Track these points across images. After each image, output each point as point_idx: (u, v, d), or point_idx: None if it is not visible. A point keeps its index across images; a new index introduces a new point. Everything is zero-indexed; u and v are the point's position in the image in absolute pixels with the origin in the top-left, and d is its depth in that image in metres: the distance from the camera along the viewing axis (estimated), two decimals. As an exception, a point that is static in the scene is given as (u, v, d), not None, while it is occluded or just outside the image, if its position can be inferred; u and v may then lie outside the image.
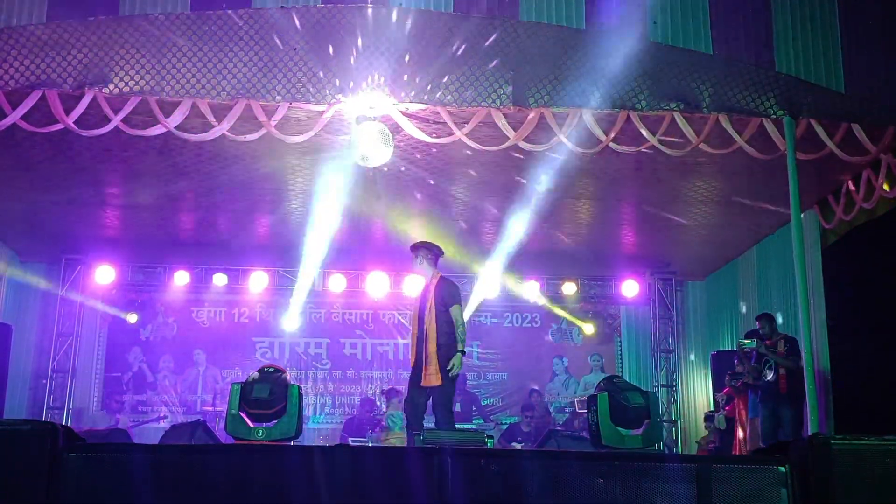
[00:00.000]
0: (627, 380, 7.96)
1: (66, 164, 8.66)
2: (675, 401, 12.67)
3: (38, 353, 12.14)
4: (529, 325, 13.65)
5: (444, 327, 7.09)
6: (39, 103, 6.83)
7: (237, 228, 11.27)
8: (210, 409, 12.15)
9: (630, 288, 13.05)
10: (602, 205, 10.10)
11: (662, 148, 7.36)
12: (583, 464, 4.05)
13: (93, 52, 6.70)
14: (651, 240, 11.71)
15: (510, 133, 7.28)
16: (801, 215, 7.62)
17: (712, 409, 11.34)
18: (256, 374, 5.98)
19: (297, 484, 3.89)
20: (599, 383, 6.01)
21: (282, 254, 11.96)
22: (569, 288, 13.12)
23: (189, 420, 9.31)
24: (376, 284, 12.75)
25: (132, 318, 12.92)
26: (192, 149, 8.05)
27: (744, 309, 12.14)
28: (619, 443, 5.51)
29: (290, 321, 12.83)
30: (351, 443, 10.58)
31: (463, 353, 7.11)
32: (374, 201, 9.72)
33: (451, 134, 7.33)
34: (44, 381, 11.96)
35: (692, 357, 13.10)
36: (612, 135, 7.26)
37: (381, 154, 7.43)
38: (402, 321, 13.18)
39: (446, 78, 7.00)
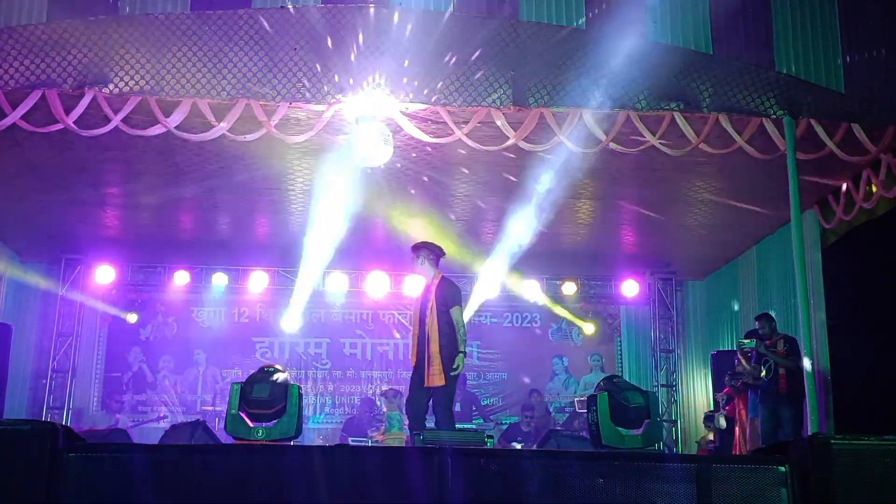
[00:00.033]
0: (627, 380, 7.95)
1: (66, 164, 8.66)
2: (675, 401, 12.67)
3: (38, 353, 12.14)
4: (529, 324, 13.65)
5: (445, 328, 7.10)
6: (39, 103, 6.84)
7: (237, 228, 11.28)
8: (210, 408, 12.15)
9: (630, 288, 13.05)
10: (602, 205, 10.10)
11: (662, 148, 7.37)
12: (583, 464, 4.05)
13: (93, 52, 6.71)
14: (651, 240, 11.71)
15: (510, 133, 7.28)
16: (801, 215, 7.62)
17: (712, 408, 11.35)
18: (282, 374, 5.88)
19: (297, 484, 3.89)
20: (599, 383, 6.00)
21: (282, 254, 11.95)
22: (569, 288, 13.12)
23: (189, 420, 9.28)
24: (376, 284, 12.75)
25: (132, 318, 12.91)
26: (192, 149, 8.05)
27: (736, 307, 12.17)
28: (619, 443, 5.51)
29: (290, 321, 12.82)
30: (351, 443, 10.58)
31: (464, 354, 7.12)
32: (374, 201, 9.71)
33: (451, 134, 7.33)
34: (44, 381, 11.96)
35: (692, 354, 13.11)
36: (612, 135, 7.26)
37: (381, 154, 7.43)
38: (402, 321, 13.18)
39: (446, 78, 7.00)
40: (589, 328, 13.47)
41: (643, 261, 12.62)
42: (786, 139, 7.24)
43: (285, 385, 5.81)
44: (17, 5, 6.32)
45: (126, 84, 6.93)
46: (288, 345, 13.19)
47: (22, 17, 6.34)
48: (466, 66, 6.95)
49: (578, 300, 13.35)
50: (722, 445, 10.41)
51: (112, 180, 9.47)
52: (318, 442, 11.93)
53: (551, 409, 12.97)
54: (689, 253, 12.00)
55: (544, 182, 8.79)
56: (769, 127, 7.27)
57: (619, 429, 5.56)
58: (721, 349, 11.87)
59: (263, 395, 5.70)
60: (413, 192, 9.42)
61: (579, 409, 11.27)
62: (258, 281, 12.64)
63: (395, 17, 6.43)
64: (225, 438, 6.31)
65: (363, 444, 10.23)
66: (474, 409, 12.74)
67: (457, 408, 9.91)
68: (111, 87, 6.94)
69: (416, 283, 9.42)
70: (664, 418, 12.06)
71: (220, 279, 12.65)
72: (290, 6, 6.32)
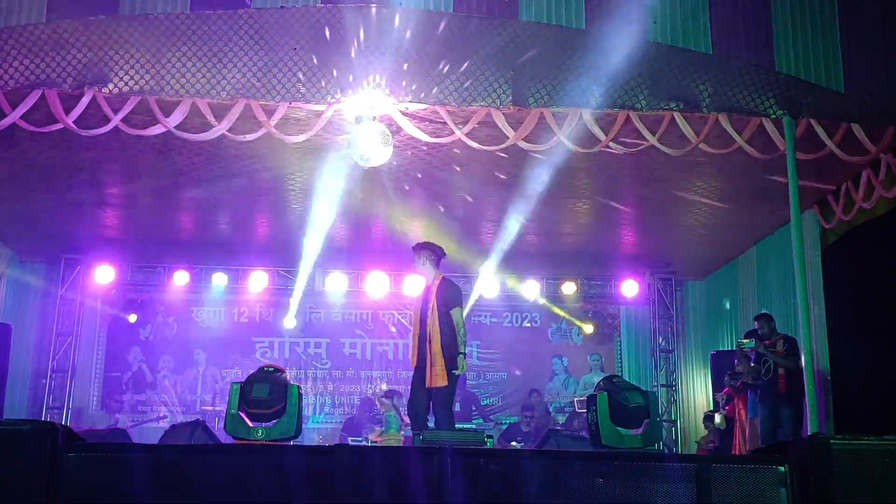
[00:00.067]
0: (627, 379, 7.95)
1: (66, 164, 8.66)
2: (675, 401, 12.67)
3: (37, 352, 12.14)
4: (529, 324, 13.65)
5: (446, 328, 7.10)
6: (39, 103, 6.83)
7: (237, 228, 11.28)
8: (210, 408, 12.17)
9: (630, 288, 13.05)
10: (602, 205, 10.10)
11: (662, 148, 7.36)
12: (582, 463, 4.05)
13: (92, 52, 6.70)
14: (651, 240, 11.72)
15: (510, 133, 7.28)
16: (801, 215, 7.62)
17: (712, 408, 11.35)
18: (282, 374, 5.90)
19: (297, 484, 3.88)
20: (599, 383, 6.00)
21: (282, 254, 11.96)
22: (569, 288, 13.12)
23: (188, 420, 9.29)
24: (376, 284, 12.75)
25: (132, 318, 12.92)
26: (191, 149, 8.05)
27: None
28: (619, 442, 5.50)
29: (290, 321, 12.83)
30: (350, 442, 10.58)
31: (464, 355, 7.12)
32: (374, 201, 9.72)
33: (450, 134, 7.33)
34: (43, 381, 11.96)
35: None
36: (612, 135, 7.26)
37: (380, 154, 7.43)
38: (402, 321, 13.19)
39: (446, 78, 7.00)
40: (588, 328, 13.48)
41: (643, 261, 12.62)
42: (786, 139, 7.24)
43: (285, 385, 5.81)
44: (17, 5, 6.31)
45: (126, 84, 6.93)
46: (288, 345, 13.20)
47: (22, 17, 6.33)
48: (466, 66, 6.94)
49: (578, 300, 13.35)
50: (721, 445, 10.41)
51: (112, 180, 9.47)
52: (318, 442, 11.94)
53: (551, 409, 12.98)
54: (689, 253, 12.00)
55: (544, 182, 8.80)
56: (769, 127, 7.27)
57: (619, 429, 5.56)
58: (721, 349, 11.87)
59: (263, 395, 5.70)
60: (413, 191, 9.42)
61: (579, 408, 11.28)
62: (258, 281, 12.64)
63: (395, 17, 6.42)
64: (225, 438, 6.30)
65: (363, 444, 10.24)
66: (474, 408, 12.75)
67: (457, 408, 9.92)
68: (111, 86, 6.94)
69: (417, 284, 9.43)
70: (664, 418, 12.07)
71: (219, 279, 12.66)
72: (290, 6, 6.32)
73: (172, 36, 6.57)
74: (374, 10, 6.36)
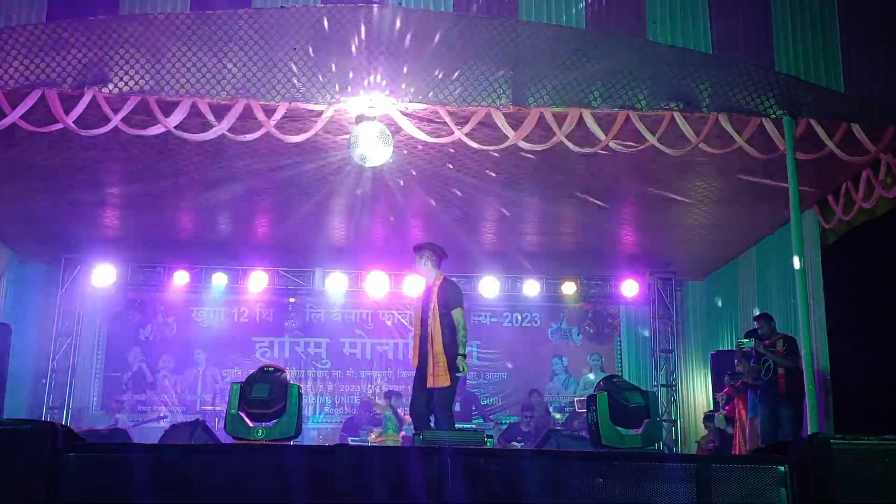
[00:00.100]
0: (627, 379, 7.95)
1: (65, 163, 8.66)
2: (675, 400, 12.67)
3: (37, 352, 12.12)
4: (529, 324, 13.66)
5: (447, 329, 7.10)
6: (39, 103, 6.83)
7: (237, 228, 11.28)
8: (210, 408, 12.17)
9: (630, 288, 13.05)
10: (602, 205, 10.08)
11: (662, 148, 7.36)
12: (582, 463, 4.05)
13: (92, 52, 6.70)
14: (651, 240, 11.71)
15: (510, 133, 7.28)
16: (801, 215, 7.62)
17: (712, 408, 11.35)
18: (281, 374, 5.90)
19: (296, 484, 3.88)
20: (599, 383, 6.00)
21: (282, 254, 11.96)
22: (568, 287, 13.12)
23: (189, 420, 9.29)
24: (376, 284, 12.74)
25: (132, 318, 12.92)
26: (191, 148, 8.05)
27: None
28: (619, 442, 5.51)
29: (290, 321, 12.84)
30: (350, 442, 10.59)
31: (464, 356, 7.11)
32: (374, 201, 9.72)
33: (450, 133, 7.33)
34: (43, 381, 11.96)
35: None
36: (612, 135, 7.26)
37: (380, 154, 7.43)
38: (402, 321, 13.19)
39: (446, 77, 7.00)
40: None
41: (643, 261, 12.62)
42: (785, 139, 7.24)
43: (285, 385, 5.81)
44: (17, 5, 6.31)
45: (126, 84, 6.93)
46: (288, 344, 13.20)
47: (22, 17, 6.33)
48: (466, 66, 6.94)
49: (578, 300, 13.35)
50: (722, 445, 10.41)
51: (112, 180, 9.47)
52: (318, 442, 11.94)
53: (551, 409, 12.98)
54: (689, 253, 12.00)
55: (544, 182, 8.80)
56: (769, 127, 7.27)
57: (619, 429, 5.57)
58: (721, 349, 11.87)
59: (263, 395, 5.70)
60: (413, 191, 9.41)
61: (579, 408, 11.29)
62: (258, 281, 12.64)
63: (395, 17, 6.41)
64: (225, 438, 6.31)
65: (363, 443, 10.25)
66: (474, 408, 12.75)
67: (457, 408, 9.93)
68: (111, 86, 6.94)
69: (417, 284, 9.43)
70: (664, 418, 12.07)
71: (220, 279, 12.66)
72: (290, 6, 6.31)
73: (172, 36, 6.56)
74: (374, 9, 6.36)
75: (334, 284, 12.76)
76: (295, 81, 6.97)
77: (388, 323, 13.40)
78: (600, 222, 10.79)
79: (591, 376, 13.09)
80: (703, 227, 10.64)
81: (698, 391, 12.81)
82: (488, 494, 3.90)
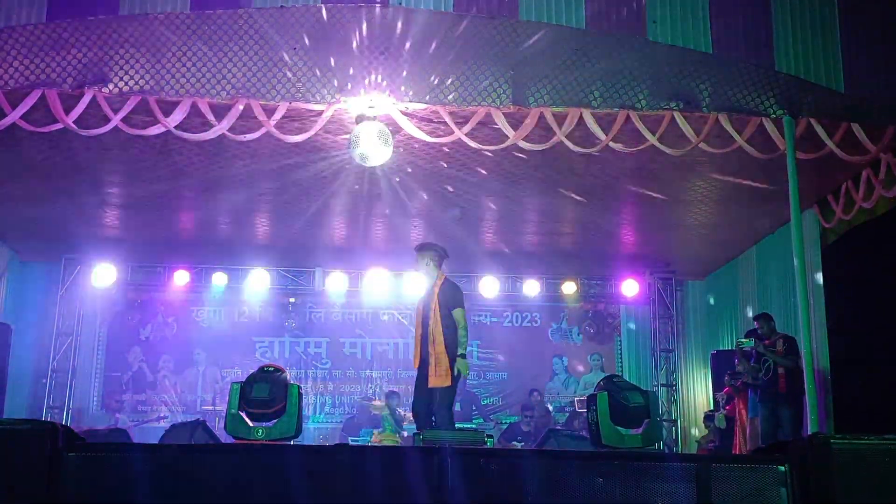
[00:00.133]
0: (627, 379, 7.95)
1: (65, 163, 8.66)
2: (675, 400, 12.68)
3: (38, 352, 12.13)
4: (529, 324, 13.65)
5: (448, 329, 7.10)
6: (39, 103, 6.84)
7: (237, 228, 11.28)
8: (210, 408, 12.17)
9: (630, 287, 13.05)
10: (602, 205, 10.10)
11: (662, 147, 7.37)
12: (582, 463, 4.05)
13: (92, 52, 6.70)
14: (651, 240, 11.72)
15: (510, 133, 7.28)
16: (801, 215, 7.62)
17: (712, 408, 11.35)
18: (282, 374, 5.92)
19: (297, 484, 3.88)
20: (599, 382, 6.00)
21: (282, 254, 11.96)
22: (569, 287, 13.12)
23: (189, 420, 9.30)
24: (376, 284, 12.74)
25: (132, 317, 12.92)
26: (191, 148, 8.05)
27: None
28: (619, 442, 5.51)
29: (290, 320, 12.83)
30: (351, 442, 10.59)
31: (464, 356, 7.11)
32: (374, 201, 9.72)
33: (450, 133, 7.33)
34: (44, 381, 11.96)
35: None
36: (612, 134, 7.26)
37: (380, 153, 7.43)
38: (402, 321, 13.19)
39: (446, 77, 7.00)
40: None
41: (643, 260, 12.62)
42: (785, 139, 7.24)
43: (285, 384, 5.81)
44: (17, 5, 6.31)
45: (126, 84, 6.94)
46: (288, 344, 13.20)
47: (22, 17, 6.33)
48: (466, 66, 6.95)
49: (578, 300, 13.36)
50: (722, 445, 10.42)
51: (112, 180, 9.47)
52: (319, 442, 11.94)
53: (551, 409, 12.98)
54: (689, 253, 12.00)
55: (543, 181, 8.80)
56: (769, 126, 7.28)
57: (619, 428, 5.57)
58: (721, 349, 11.87)
59: (263, 395, 5.70)
60: (413, 191, 9.42)
61: (579, 408, 11.29)
62: (258, 281, 12.64)
63: (395, 17, 6.42)
64: (225, 438, 6.31)
65: (364, 443, 10.25)
66: (474, 408, 12.76)
67: (457, 407, 9.93)
68: (111, 86, 6.94)
69: (419, 284, 9.42)
70: (664, 418, 12.06)
71: (220, 279, 12.66)
72: (290, 6, 6.32)
73: (172, 36, 6.57)
74: (374, 9, 6.36)
75: (334, 284, 12.76)
76: (295, 81, 6.97)
77: (389, 323, 13.38)
78: (600, 222, 10.80)
79: (591, 376, 13.09)
80: (703, 227, 10.64)
81: (698, 391, 12.82)
82: (488, 494, 3.90)
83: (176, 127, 7.10)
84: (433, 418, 7.12)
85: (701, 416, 11.94)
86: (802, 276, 7.51)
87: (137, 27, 6.50)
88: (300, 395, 5.80)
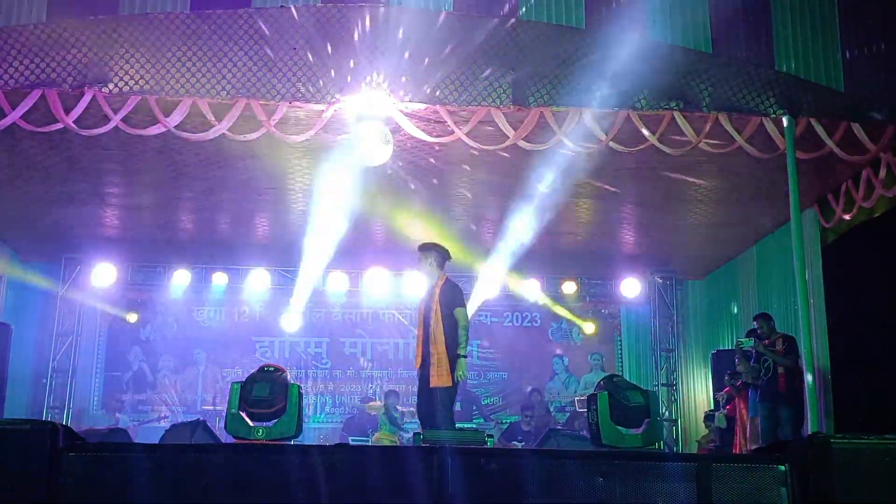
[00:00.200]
0: (627, 379, 7.96)
1: (65, 163, 8.66)
2: (676, 400, 12.68)
3: (38, 352, 12.13)
4: (530, 324, 13.65)
5: (449, 329, 7.10)
6: (39, 103, 6.84)
7: (237, 228, 11.28)
8: (210, 408, 12.16)
9: (630, 287, 13.05)
10: (602, 205, 10.09)
11: (662, 147, 7.36)
12: (583, 463, 4.05)
13: (92, 52, 6.70)
14: (651, 239, 11.71)
15: (510, 132, 7.28)
16: (801, 214, 7.62)
17: (712, 408, 11.35)
18: (282, 374, 5.91)
19: (297, 483, 3.89)
20: (599, 382, 6.01)
21: (282, 253, 11.95)
22: (569, 287, 13.12)
23: (189, 419, 9.30)
24: (377, 283, 12.74)
25: (132, 317, 12.93)
26: (191, 148, 8.05)
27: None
28: (619, 442, 5.51)
29: (290, 320, 12.83)
30: (351, 442, 10.59)
31: (464, 357, 7.10)
32: (374, 201, 9.71)
33: (451, 133, 7.33)
34: (44, 381, 11.96)
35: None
36: (612, 134, 7.26)
37: (380, 153, 7.43)
38: (402, 321, 13.19)
39: (446, 77, 7.00)
40: (589, 327, 13.47)
41: (643, 260, 12.62)
42: (785, 138, 7.24)
43: (285, 384, 5.82)
44: (17, 5, 6.32)
45: (126, 84, 6.93)
46: (288, 344, 13.20)
47: (22, 17, 6.33)
48: (466, 66, 6.95)
49: (578, 300, 13.35)
50: (722, 444, 10.41)
51: (112, 180, 9.46)
52: (319, 441, 11.94)
53: (551, 409, 12.98)
54: (690, 252, 12.00)
55: (544, 181, 8.79)
56: (769, 126, 7.28)
57: (620, 428, 5.57)
58: (721, 348, 11.87)
59: (263, 395, 5.71)
60: (413, 191, 9.41)
61: (579, 408, 11.29)
62: (258, 280, 12.64)
63: (395, 17, 6.43)
64: (225, 438, 6.32)
65: (363, 443, 10.26)
66: (475, 408, 12.75)
67: (457, 407, 9.92)
68: (111, 86, 6.93)
69: (419, 283, 9.42)
70: (664, 417, 12.07)
71: (220, 279, 12.66)
72: (290, 6, 6.32)
73: (172, 36, 6.57)
74: (374, 9, 6.36)
75: (334, 284, 12.75)
76: (295, 81, 6.97)
77: (389, 322, 13.38)
78: (601, 222, 10.80)
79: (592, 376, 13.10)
80: (703, 226, 10.64)
81: (699, 390, 12.81)
82: (488, 494, 3.91)
83: (176, 127, 7.10)
84: (435, 418, 7.12)
85: (701, 416, 11.94)
86: (802, 275, 7.51)
87: (137, 27, 6.50)
88: (300, 394, 5.81)
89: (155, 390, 12.82)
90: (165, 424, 10.62)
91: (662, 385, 12.61)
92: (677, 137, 7.31)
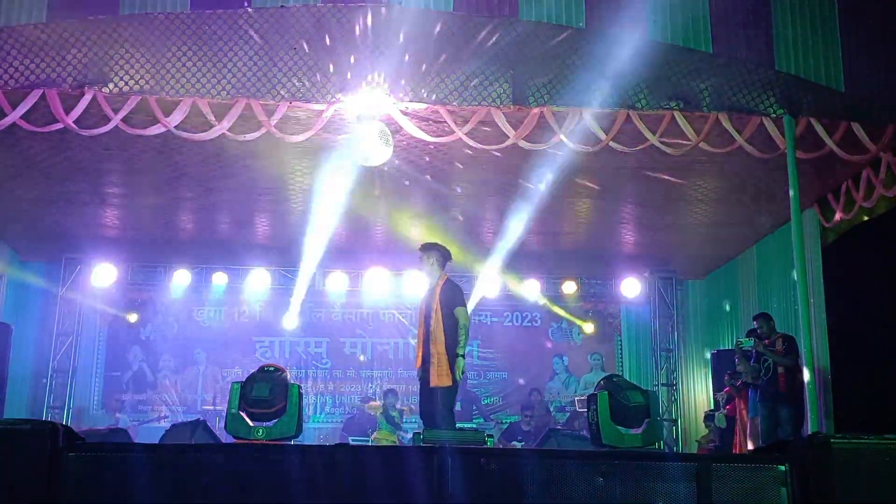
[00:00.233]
0: (627, 379, 7.95)
1: (65, 163, 8.66)
2: (676, 399, 12.68)
3: (38, 352, 12.13)
4: (530, 324, 13.65)
5: (450, 329, 7.10)
6: (39, 103, 6.84)
7: (237, 228, 11.28)
8: (210, 408, 12.16)
9: (630, 287, 13.05)
10: (602, 204, 10.10)
11: (662, 147, 7.37)
12: (583, 462, 4.05)
13: (93, 52, 6.71)
14: (651, 239, 11.71)
15: (510, 132, 7.28)
16: (801, 214, 7.62)
17: (712, 408, 11.35)
18: (282, 374, 5.92)
19: (297, 483, 3.89)
20: (599, 382, 6.00)
21: (282, 253, 11.96)
22: (569, 287, 13.12)
23: (189, 419, 9.30)
24: (376, 283, 12.74)
25: (132, 317, 12.93)
26: (192, 148, 8.05)
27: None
28: (619, 442, 5.51)
29: (290, 320, 12.83)
30: (351, 442, 10.59)
31: (462, 357, 7.10)
32: (374, 200, 9.72)
33: (451, 133, 7.33)
34: (44, 381, 11.96)
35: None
36: (612, 134, 7.26)
37: (381, 153, 7.43)
38: (402, 320, 13.19)
39: (446, 77, 7.00)
40: (589, 327, 13.47)
41: (643, 260, 12.62)
42: (786, 138, 7.24)
43: (285, 384, 5.81)
44: (17, 5, 6.32)
45: (126, 84, 6.94)
46: (288, 344, 13.20)
47: (22, 17, 6.33)
48: (466, 65, 6.95)
49: (578, 299, 13.36)
50: (722, 444, 10.41)
51: (112, 180, 9.47)
52: (319, 441, 11.94)
53: (551, 409, 12.98)
54: (689, 252, 12.00)
55: (544, 181, 8.80)
56: (769, 126, 7.28)
57: (620, 428, 5.57)
58: (721, 348, 11.87)
59: (263, 395, 5.70)
60: (413, 191, 9.41)
61: (579, 408, 11.29)
62: (258, 280, 12.64)
63: (395, 17, 6.42)
64: (225, 438, 6.31)
65: (363, 443, 10.26)
66: (474, 408, 12.75)
67: (457, 407, 9.92)
68: (111, 86, 6.94)
69: (420, 283, 9.42)
70: (664, 417, 12.07)
71: (220, 279, 12.66)
72: (290, 5, 6.32)
73: (172, 36, 6.57)
74: (374, 9, 6.36)
75: (334, 284, 12.75)
76: (295, 81, 6.97)
77: (389, 322, 13.38)
78: (601, 222, 10.80)
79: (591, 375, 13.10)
80: (703, 226, 10.64)
81: (699, 390, 12.81)
82: (488, 494, 3.91)
83: (176, 127, 7.10)
84: (435, 418, 7.13)
85: (701, 416, 11.94)
86: (802, 275, 7.52)
87: (137, 27, 6.50)
88: (300, 394, 5.81)
89: (155, 390, 12.82)
90: (165, 424, 10.62)
91: (662, 385, 12.61)
92: (677, 138, 7.31)
